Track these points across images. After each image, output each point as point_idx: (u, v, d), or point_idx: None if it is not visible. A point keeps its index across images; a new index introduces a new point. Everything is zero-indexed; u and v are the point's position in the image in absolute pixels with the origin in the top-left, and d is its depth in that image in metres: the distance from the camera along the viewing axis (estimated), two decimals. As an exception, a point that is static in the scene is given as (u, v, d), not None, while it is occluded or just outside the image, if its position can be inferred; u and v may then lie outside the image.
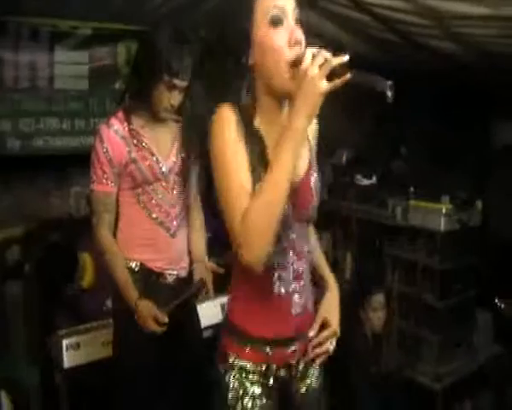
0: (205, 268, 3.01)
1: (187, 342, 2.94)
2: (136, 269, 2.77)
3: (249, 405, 1.88)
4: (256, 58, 1.74)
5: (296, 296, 1.90)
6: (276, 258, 1.82)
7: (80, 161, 4.39)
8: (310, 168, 1.89)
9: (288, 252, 1.85)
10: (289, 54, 1.66)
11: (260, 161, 1.73)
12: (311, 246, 2.07)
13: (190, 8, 3.68)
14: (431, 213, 4.66)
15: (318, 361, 2.00)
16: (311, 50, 1.58)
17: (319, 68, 1.54)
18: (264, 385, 1.90)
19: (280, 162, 1.58)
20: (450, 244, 4.71)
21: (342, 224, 5.53)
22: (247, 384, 1.89)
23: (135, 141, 2.69)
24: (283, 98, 1.76)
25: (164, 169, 2.76)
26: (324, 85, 1.54)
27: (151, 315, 2.62)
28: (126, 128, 2.68)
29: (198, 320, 3.11)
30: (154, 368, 2.85)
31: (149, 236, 2.79)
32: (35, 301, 3.87)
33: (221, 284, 3.07)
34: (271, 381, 1.91)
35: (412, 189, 4.88)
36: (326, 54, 1.57)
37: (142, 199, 2.75)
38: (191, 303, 3.00)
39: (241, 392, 1.88)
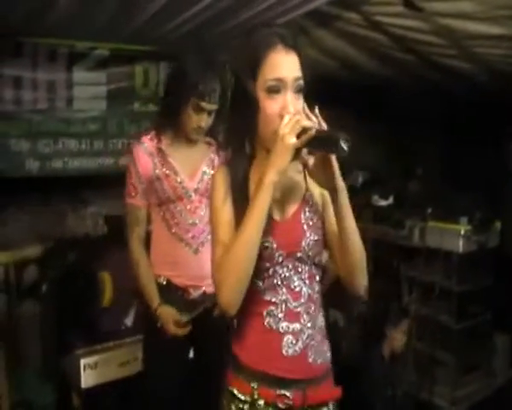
0: None
1: (218, 356, 2.96)
2: (164, 283, 2.86)
3: None
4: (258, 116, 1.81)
5: (289, 337, 1.86)
6: (266, 294, 1.86)
7: (97, 182, 4.45)
8: (301, 206, 1.92)
9: (278, 289, 1.86)
10: (277, 122, 1.73)
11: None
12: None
13: (208, 28, 3.70)
14: (449, 235, 4.64)
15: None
16: (288, 115, 1.69)
17: (290, 129, 1.66)
18: None
19: (251, 219, 1.72)
20: (468, 266, 4.69)
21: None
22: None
23: (160, 159, 2.79)
24: None
25: (187, 189, 2.82)
26: (292, 141, 1.66)
27: (171, 319, 2.76)
28: (155, 145, 2.80)
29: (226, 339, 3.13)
30: (182, 380, 2.91)
31: (172, 252, 2.86)
32: (52, 320, 3.87)
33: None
34: None
35: (429, 209, 4.86)
36: (299, 117, 1.68)
37: (166, 216, 2.84)
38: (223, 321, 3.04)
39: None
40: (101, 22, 3.57)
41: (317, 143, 1.68)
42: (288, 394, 1.86)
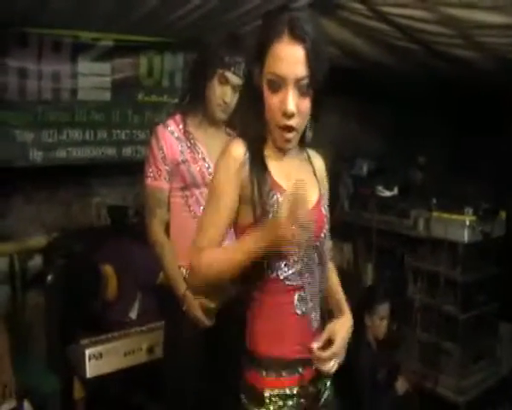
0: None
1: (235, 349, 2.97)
2: (185, 276, 2.78)
3: None
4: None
5: (313, 314, 1.94)
6: (296, 280, 1.88)
7: (102, 172, 4.46)
8: (320, 197, 1.97)
9: (303, 274, 1.89)
10: (280, 119, 1.74)
11: (264, 185, 1.81)
12: (330, 282, 2.14)
13: (213, 18, 3.69)
14: (454, 225, 4.64)
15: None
16: (287, 195, 1.67)
17: (288, 215, 1.62)
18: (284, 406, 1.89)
19: (234, 260, 1.77)
20: (473, 256, 4.69)
21: (363, 235, 5.51)
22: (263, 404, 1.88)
23: (188, 143, 2.79)
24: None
25: None
26: (285, 230, 1.63)
27: (199, 304, 2.72)
28: (182, 129, 2.79)
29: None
30: (202, 369, 2.88)
31: None
32: (57, 310, 3.88)
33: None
34: (286, 403, 1.89)
35: (434, 200, 4.85)
36: (298, 197, 1.62)
37: (189, 202, 2.81)
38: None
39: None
40: (106, 13, 3.56)
41: None
42: (303, 372, 1.91)
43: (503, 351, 5.25)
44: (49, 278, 3.96)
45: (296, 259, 1.85)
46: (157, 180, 2.79)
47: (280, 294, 1.87)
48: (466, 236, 4.58)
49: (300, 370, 1.90)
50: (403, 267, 5.16)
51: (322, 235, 1.94)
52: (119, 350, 3.60)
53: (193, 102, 2.83)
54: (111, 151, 4.40)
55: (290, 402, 1.88)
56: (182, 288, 2.75)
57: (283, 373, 1.89)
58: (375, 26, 3.99)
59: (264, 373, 1.89)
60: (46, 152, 4.13)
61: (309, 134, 1.89)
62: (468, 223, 4.58)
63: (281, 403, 1.87)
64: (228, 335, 2.89)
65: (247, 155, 1.83)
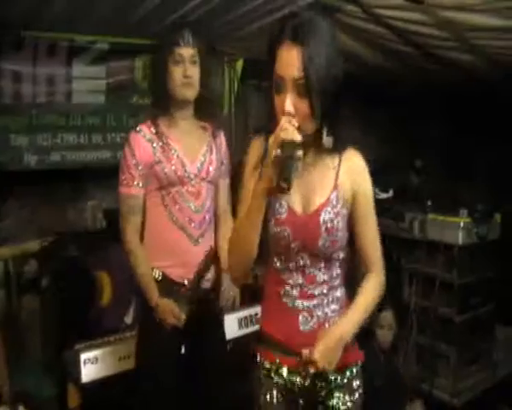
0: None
1: (211, 355, 2.98)
2: (159, 279, 2.80)
3: (265, 396, 2.06)
4: None
5: (304, 314, 1.99)
6: (283, 274, 2.00)
7: (96, 175, 4.45)
8: (323, 206, 1.93)
9: (293, 273, 1.98)
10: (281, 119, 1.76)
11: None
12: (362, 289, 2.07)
13: (209, 21, 3.69)
14: (449, 227, 4.64)
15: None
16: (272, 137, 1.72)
17: (273, 141, 1.69)
18: (280, 385, 2.05)
19: (247, 221, 1.84)
20: (469, 258, 4.69)
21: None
22: (263, 378, 2.08)
23: (160, 143, 2.76)
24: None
25: (189, 171, 2.79)
26: (273, 154, 1.67)
27: (171, 311, 2.73)
28: (153, 130, 2.77)
29: (223, 332, 3.14)
30: (177, 377, 2.88)
31: (171, 241, 2.80)
32: (52, 315, 3.87)
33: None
34: (283, 382, 2.04)
35: (429, 202, 4.86)
36: (286, 126, 1.69)
37: (166, 201, 2.79)
38: (216, 315, 3.06)
39: (259, 383, 2.09)
40: (101, 16, 3.56)
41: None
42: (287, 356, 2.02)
43: (499, 353, 5.25)
44: (45, 282, 3.95)
45: (288, 257, 1.97)
46: (130, 187, 2.76)
47: (273, 282, 2.04)
48: (461, 238, 4.58)
49: (278, 354, 2.04)
50: (398, 270, 5.15)
51: (321, 244, 1.91)
52: (115, 355, 3.58)
53: (160, 99, 2.83)
54: (106, 154, 4.41)
55: (280, 381, 2.04)
56: (154, 297, 2.74)
57: (277, 353, 2.04)
58: (371, 29, 3.99)
59: (259, 343, 2.12)
60: (41, 156, 4.13)
61: (328, 139, 1.88)
62: (463, 225, 4.58)
63: (278, 380, 2.05)
64: (200, 341, 2.95)
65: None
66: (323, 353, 1.85)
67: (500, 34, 3.61)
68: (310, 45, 1.72)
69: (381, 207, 5.31)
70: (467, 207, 4.70)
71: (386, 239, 5.12)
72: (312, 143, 1.89)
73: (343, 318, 1.98)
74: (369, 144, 6.31)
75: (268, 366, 2.06)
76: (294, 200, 1.92)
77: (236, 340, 3.86)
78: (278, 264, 1.99)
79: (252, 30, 3.88)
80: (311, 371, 1.88)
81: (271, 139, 1.70)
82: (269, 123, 1.86)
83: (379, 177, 5.70)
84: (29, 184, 4.23)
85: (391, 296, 4.62)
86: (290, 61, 1.74)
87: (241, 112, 5.19)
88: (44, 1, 3.19)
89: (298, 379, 2.03)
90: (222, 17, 3.70)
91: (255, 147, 1.98)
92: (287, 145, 1.65)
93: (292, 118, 1.72)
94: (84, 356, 3.48)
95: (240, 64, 5.03)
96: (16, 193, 4.26)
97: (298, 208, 1.93)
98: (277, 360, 2.03)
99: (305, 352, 1.87)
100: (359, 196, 2.02)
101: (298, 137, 1.67)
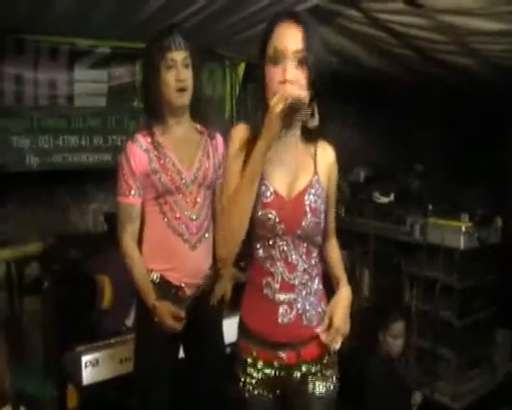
0: (229, 278, 3.10)
1: (209, 358, 2.99)
2: (157, 281, 2.82)
3: (243, 382, 2.15)
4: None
5: (284, 307, 2.05)
6: (265, 263, 2.05)
7: (98, 178, 4.46)
8: (307, 188, 2.05)
9: (276, 260, 2.04)
10: (278, 89, 1.88)
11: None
12: (330, 257, 2.30)
13: (209, 25, 3.70)
14: (450, 231, 4.64)
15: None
16: (280, 93, 1.84)
17: (278, 99, 1.81)
18: (256, 378, 2.13)
19: (243, 186, 1.91)
20: (469, 262, 4.68)
21: (360, 241, 5.51)
22: (241, 370, 2.16)
23: (156, 152, 2.77)
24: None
25: (185, 179, 2.80)
26: (276, 111, 1.80)
27: (169, 312, 2.72)
28: (149, 140, 2.78)
29: (222, 337, 3.14)
30: (176, 381, 2.90)
31: (169, 247, 2.82)
32: (53, 317, 3.88)
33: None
34: (259, 375, 2.12)
35: (430, 206, 4.86)
36: (289, 88, 1.85)
37: (164, 209, 2.81)
38: (215, 318, 3.05)
39: (239, 373, 2.17)
40: (102, 20, 3.57)
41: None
42: (283, 355, 2.09)
43: (500, 357, 5.25)
44: (46, 284, 3.96)
45: (271, 243, 2.02)
46: (127, 196, 2.78)
47: (255, 273, 2.09)
48: (462, 242, 4.58)
49: (255, 347, 2.11)
50: (399, 273, 5.15)
51: (304, 224, 2.01)
52: (116, 357, 3.59)
53: (154, 106, 2.81)
54: (107, 157, 4.41)
55: (260, 375, 2.12)
56: (151, 298, 2.75)
57: (247, 341, 2.14)
58: (372, 34, 4.01)
59: (239, 335, 2.19)
60: (42, 158, 4.14)
61: (313, 121, 1.99)
62: (464, 229, 4.58)
63: (253, 373, 2.13)
64: (197, 344, 2.97)
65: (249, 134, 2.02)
66: (343, 318, 2.06)
67: (499, 38, 3.62)
68: (307, 24, 1.93)
69: (382, 211, 5.34)
70: (468, 212, 4.70)
71: (387, 243, 5.19)
72: (296, 125, 2.03)
73: (340, 283, 2.20)
74: (370, 149, 6.35)
75: (245, 358, 2.14)
76: (279, 184, 2.01)
77: (235, 344, 3.86)
78: (261, 251, 2.04)
79: (253, 33, 3.89)
80: (338, 343, 2.06)
81: (276, 98, 1.81)
82: (259, 101, 2.00)
83: (380, 181, 5.76)
84: (30, 186, 4.25)
85: (392, 300, 4.65)
86: (291, 35, 1.91)
87: (242, 116, 5.19)
88: (46, 5, 3.21)
89: (273, 371, 2.11)
90: (223, 21, 3.71)
91: (238, 131, 2.06)
92: (294, 103, 1.81)
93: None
94: (85, 358, 3.49)
95: (241, 68, 5.04)
96: (18, 195, 4.27)
97: (283, 192, 2.01)
98: (254, 353, 2.11)
99: (321, 332, 2.05)
100: (331, 184, 2.19)
101: (304, 95, 1.85)
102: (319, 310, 2.12)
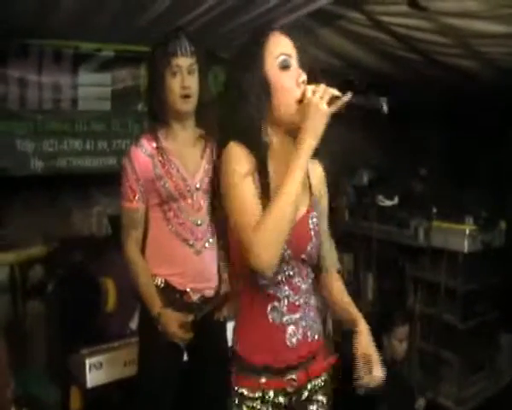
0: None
1: (213, 362, 2.95)
2: (162, 286, 2.80)
3: None
4: (270, 97, 1.91)
5: (291, 328, 1.98)
6: (269, 289, 1.94)
7: (102, 181, 4.47)
8: (309, 211, 2.00)
9: (282, 285, 1.96)
10: (297, 92, 1.87)
11: (264, 193, 1.88)
12: (335, 291, 2.20)
13: (212, 29, 3.71)
14: (454, 234, 4.63)
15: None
16: (310, 87, 1.84)
17: (320, 97, 1.79)
18: None
19: (291, 176, 1.78)
20: (473, 265, 4.68)
21: (364, 245, 5.51)
22: None
23: (160, 158, 2.75)
24: (291, 137, 1.93)
25: (190, 186, 2.78)
26: (326, 108, 1.79)
27: (176, 321, 2.69)
28: (154, 145, 2.75)
29: (226, 340, 3.12)
30: (179, 385, 2.89)
31: (173, 252, 2.80)
32: (57, 320, 3.88)
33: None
34: (270, 408, 1.99)
35: (434, 209, 4.85)
36: (324, 86, 1.82)
37: (168, 215, 2.79)
38: (219, 321, 3.03)
39: None
40: (106, 23, 3.58)
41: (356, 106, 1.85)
42: (294, 377, 2.00)
43: (503, 361, 5.23)
44: (50, 287, 3.97)
45: (276, 269, 1.85)
46: (131, 201, 2.76)
47: (256, 300, 1.96)
48: (466, 245, 4.57)
49: (262, 377, 1.98)
50: (403, 277, 5.15)
51: (309, 248, 1.97)
52: (120, 360, 3.60)
53: (158, 111, 2.78)
54: (111, 161, 4.42)
55: (250, 403, 1.98)
56: (157, 306, 2.72)
57: (244, 375, 2.01)
58: (374, 36, 4.00)
59: (238, 373, 2.03)
60: (47, 161, 4.15)
61: None
62: (468, 232, 4.58)
63: (243, 401, 1.99)
64: (201, 352, 2.92)
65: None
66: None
67: (503, 40, 3.62)
68: (294, 34, 1.95)
69: (386, 215, 5.34)
70: (472, 215, 4.69)
71: (391, 246, 5.18)
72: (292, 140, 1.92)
73: (360, 328, 2.06)
74: (374, 152, 6.34)
75: (252, 395, 1.99)
76: None
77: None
78: (263, 279, 1.90)
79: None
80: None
81: (317, 94, 1.79)
82: (262, 109, 1.89)
83: (384, 184, 5.75)
84: (35, 190, 4.25)
85: (395, 303, 4.64)
86: (287, 42, 1.92)
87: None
88: (50, 9, 3.21)
89: (286, 399, 2.01)
90: (226, 24, 3.72)
91: (239, 154, 1.86)
92: (333, 99, 1.80)
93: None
94: (89, 361, 3.50)
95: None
96: (22, 198, 4.28)
97: None
98: (262, 386, 1.98)
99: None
100: (323, 200, 2.15)
101: (337, 93, 1.81)
102: (317, 323, 2.10)
